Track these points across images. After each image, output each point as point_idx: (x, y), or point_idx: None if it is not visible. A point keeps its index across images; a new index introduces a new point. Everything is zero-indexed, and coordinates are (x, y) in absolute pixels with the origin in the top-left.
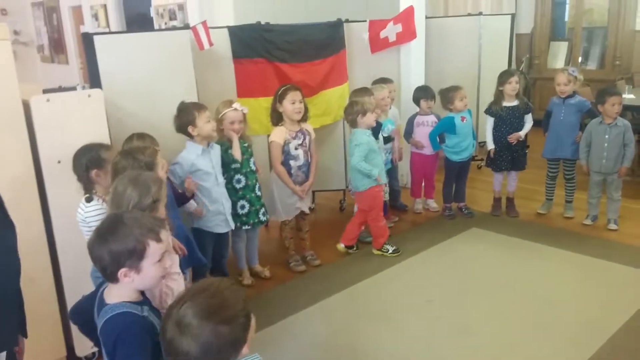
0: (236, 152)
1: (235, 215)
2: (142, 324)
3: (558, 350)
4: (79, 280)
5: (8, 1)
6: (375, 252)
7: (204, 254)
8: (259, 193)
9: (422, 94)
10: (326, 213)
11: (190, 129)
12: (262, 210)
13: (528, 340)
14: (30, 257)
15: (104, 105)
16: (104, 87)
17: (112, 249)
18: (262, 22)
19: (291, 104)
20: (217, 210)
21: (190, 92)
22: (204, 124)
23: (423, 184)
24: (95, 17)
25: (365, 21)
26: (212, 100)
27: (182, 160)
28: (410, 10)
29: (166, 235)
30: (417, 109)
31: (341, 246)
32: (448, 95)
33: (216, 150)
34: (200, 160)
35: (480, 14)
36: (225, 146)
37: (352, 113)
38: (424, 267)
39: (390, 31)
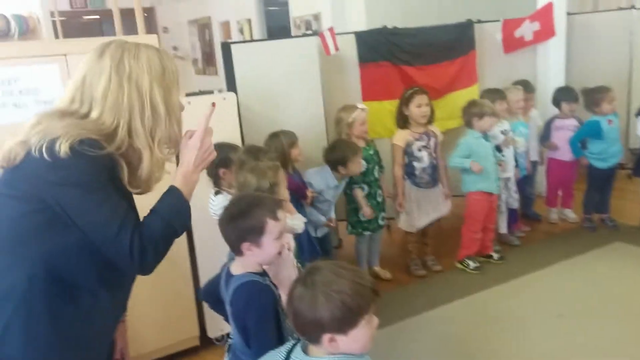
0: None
1: (357, 221)
2: (267, 291)
3: None
4: (212, 265)
5: (168, 20)
6: (456, 264)
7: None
8: (379, 200)
9: (563, 95)
10: (452, 221)
11: (340, 168)
12: (382, 215)
13: None
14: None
15: (237, 107)
16: (239, 92)
17: (237, 226)
18: (393, 26)
19: (417, 107)
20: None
21: (316, 96)
22: (354, 166)
23: (560, 192)
24: (241, 31)
25: (499, 21)
26: (337, 103)
27: (315, 183)
28: (549, 7)
29: (283, 215)
30: (555, 112)
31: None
32: (595, 96)
33: (344, 183)
34: (327, 190)
35: (632, 7)
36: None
37: (468, 113)
38: (557, 281)
39: (527, 30)
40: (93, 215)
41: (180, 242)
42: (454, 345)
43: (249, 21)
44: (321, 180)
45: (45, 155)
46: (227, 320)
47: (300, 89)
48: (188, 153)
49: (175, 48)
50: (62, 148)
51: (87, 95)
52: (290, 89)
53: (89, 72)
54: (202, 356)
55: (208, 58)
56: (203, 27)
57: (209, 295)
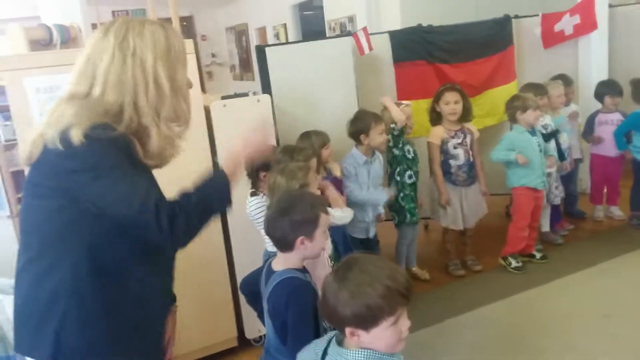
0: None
1: (404, 209)
2: (308, 287)
3: None
4: (249, 266)
5: (207, 28)
6: (499, 260)
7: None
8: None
9: (607, 89)
10: (491, 220)
11: (362, 137)
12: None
13: None
14: (208, 245)
15: (271, 109)
16: (274, 94)
17: (294, 219)
18: (429, 25)
19: (445, 104)
20: (360, 217)
21: (350, 96)
22: (377, 135)
23: (605, 189)
24: (277, 36)
25: (538, 15)
26: (372, 104)
27: (347, 164)
28: (589, 0)
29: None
30: (599, 107)
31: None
32: None
33: (378, 161)
34: (359, 170)
35: None
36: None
37: (511, 107)
38: (603, 280)
39: (567, 24)
40: (112, 194)
41: (217, 243)
42: (494, 347)
43: (285, 26)
44: (351, 161)
45: (60, 146)
46: (260, 316)
47: (334, 90)
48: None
49: (213, 55)
50: (76, 136)
51: (90, 74)
52: (324, 90)
53: (92, 51)
54: (240, 357)
55: (245, 64)
56: (240, 33)
57: (247, 287)
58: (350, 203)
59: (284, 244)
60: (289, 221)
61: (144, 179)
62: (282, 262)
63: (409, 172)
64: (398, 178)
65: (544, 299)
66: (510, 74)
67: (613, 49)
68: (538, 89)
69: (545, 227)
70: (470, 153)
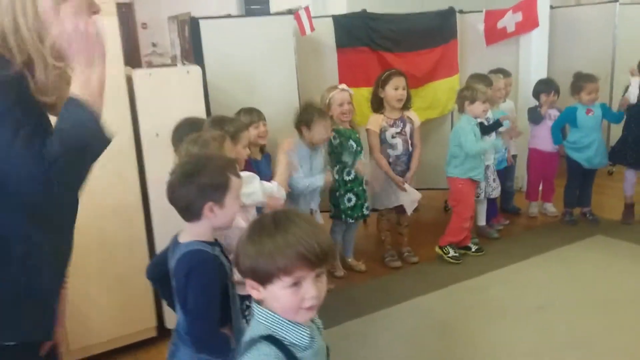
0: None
1: (342, 208)
2: (214, 262)
3: None
4: None
5: (148, 16)
6: (437, 249)
7: None
8: (365, 187)
9: (543, 87)
10: (429, 213)
11: (304, 129)
12: (366, 204)
13: None
14: (127, 228)
15: (202, 83)
16: (207, 70)
17: (200, 183)
18: (371, 12)
19: (394, 89)
20: (305, 207)
21: (290, 78)
22: (319, 131)
23: (541, 186)
24: None
25: (481, 11)
26: (312, 88)
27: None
28: None
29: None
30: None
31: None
32: (577, 83)
33: (321, 154)
34: (302, 162)
35: (615, 1)
36: (346, 135)
37: (461, 97)
38: (536, 272)
39: (509, 21)
40: None
41: (137, 225)
42: (429, 337)
43: (229, 16)
44: (294, 151)
45: None
46: (170, 304)
47: (273, 70)
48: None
49: (154, 44)
50: None
51: None
52: (262, 70)
53: None
54: (159, 347)
55: (187, 55)
56: (183, 23)
57: (155, 269)
58: (295, 193)
59: (191, 212)
60: (195, 186)
61: (32, 120)
62: (189, 233)
63: (347, 169)
64: (337, 176)
65: (479, 291)
66: (453, 67)
67: (552, 49)
68: (485, 80)
69: (482, 221)
70: (410, 142)
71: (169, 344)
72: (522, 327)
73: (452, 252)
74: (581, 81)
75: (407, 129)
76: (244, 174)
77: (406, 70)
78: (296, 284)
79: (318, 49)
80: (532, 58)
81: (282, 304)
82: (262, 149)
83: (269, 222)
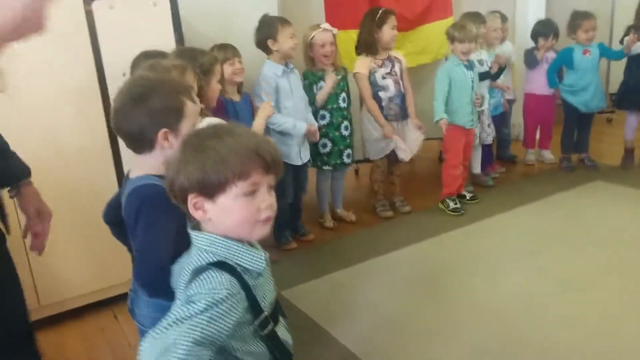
0: (322, 96)
1: (316, 154)
2: (166, 197)
3: None
4: None
5: None
6: (439, 205)
7: (284, 184)
8: (345, 133)
9: (541, 29)
10: (423, 164)
11: (270, 42)
12: (347, 152)
13: None
14: (95, 170)
15: (170, 16)
16: (180, 4)
17: (152, 108)
18: None
19: (391, 29)
20: (295, 140)
21: None
22: (286, 39)
23: (538, 133)
24: None
25: None
26: (296, 30)
27: (265, 77)
28: None
29: (196, 100)
30: None
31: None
32: (574, 21)
33: (296, 74)
34: (280, 80)
35: None
36: (311, 79)
37: (448, 33)
38: (532, 218)
39: None
40: None
41: (107, 171)
42: (419, 285)
43: None
44: (268, 74)
45: None
46: (130, 249)
47: (252, 6)
48: None
49: None
50: None
51: None
52: (240, 7)
53: None
54: None
55: None
56: None
57: (110, 215)
58: (273, 132)
59: (142, 142)
60: (146, 110)
61: None
62: (140, 167)
63: (321, 112)
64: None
65: (472, 238)
66: (447, 9)
67: None
68: (477, 18)
69: (477, 169)
70: (401, 84)
71: (129, 292)
72: (514, 272)
73: (452, 205)
74: (578, 19)
75: (397, 68)
76: (212, 119)
77: (397, 12)
78: (251, 192)
79: None
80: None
81: (237, 217)
82: (239, 89)
83: (210, 132)
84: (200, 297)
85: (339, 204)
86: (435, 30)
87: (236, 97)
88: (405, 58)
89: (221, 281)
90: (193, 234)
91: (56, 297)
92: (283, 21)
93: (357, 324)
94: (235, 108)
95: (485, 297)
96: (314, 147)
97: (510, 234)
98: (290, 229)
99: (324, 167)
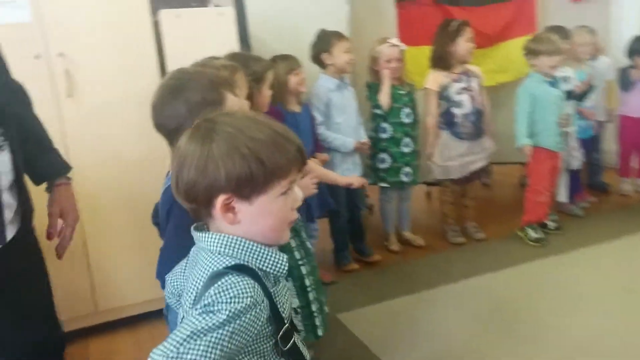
0: (384, 97)
1: (374, 169)
2: None
3: None
4: None
5: None
6: (517, 232)
7: (336, 200)
8: (405, 149)
9: (638, 46)
10: (502, 189)
11: (324, 56)
12: (406, 170)
13: None
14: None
15: (235, 25)
16: (250, 18)
17: (189, 100)
18: None
19: (467, 41)
20: (344, 155)
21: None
22: (340, 54)
23: (635, 160)
24: None
25: None
26: (367, 47)
27: (319, 90)
28: None
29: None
30: None
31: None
32: None
33: (351, 91)
34: (334, 95)
35: None
36: (375, 88)
37: (526, 49)
38: (626, 254)
39: None
40: None
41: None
42: (493, 317)
43: None
44: (321, 89)
45: None
46: None
47: (321, 24)
48: None
49: None
50: None
51: None
52: (311, 24)
53: None
54: None
55: None
56: None
57: (157, 216)
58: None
59: (176, 134)
60: (183, 103)
61: None
62: None
63: (382, 125)
64: (373, 133)
65: (555, 271)
66: (531, 25)
67: None
68: (561, 32)
69: (563, 196)
70: (478, 100)
71: None
72: (604, 310)
73: (533, 234)
74: None
75: (474, 83)
76: None
77: (475, 27)
78: (287, 190)
79: (375, 6)
80: (625, 14)
81: (274, 218)
82: (298, 99)
83: (242, 122)
84: (222, 307)
85: (406, 226)
86: (517, 47)
87: (296, 108)
88: (484, 77)
89: (245, 288)
90: (200, 235)
91: (113, 303)
92: (339, 36)
93: (414, 355)
94: (296, 119)
95: (571, 335)
96: (372, 161)
97: (599, 269)
98: (355, 249)
99: (381, 184)
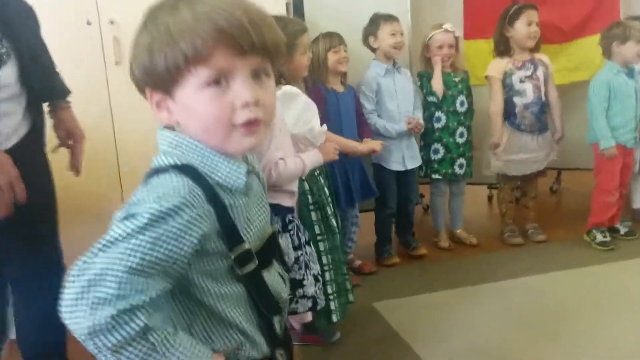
0: (436, 83)
1: (427, 160)
2: None
3: None
4: None
5: None
6: (584, 236)
7: (384, 191)
8: (459, 140)
9: None
10: (571, 197)
11: (371, 39)
12: (460, 161)
13: None
14: None
15: (292, 14)
16: (309, 13)
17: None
18: None
19: (527, 25)
20: (396, 144)
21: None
22: (386, 36)
23: None
24: None
25: None
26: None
27: (367, 79)
28: None
29: None
30: None
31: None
32: None
33: (404, 74)
34: (383, 80)
35: None
36: (427, 77)
37: (608, 36)
38: None
39: None
40: None
41: None
42: (538, 318)
43: None
44: (372, 75)
45: None
46: None
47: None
48: None
49: None
50: None
51: None
52: (365, 9)
53: None
54: None
55: None
56: None
57: None
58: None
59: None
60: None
61: None
62: None
63: (437, 114)
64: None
65: (620, 277)
66: (613, 17)
67: None
68: None
69: (638, 203)
70: (543, 90)
71: None
72: None
73: (599, 237)
74: None
75: (540, 72)
76: (291, 88)
77: (549, 21)
78: (216, 81)
79: None
80: None
81: (201, 116)
82: (342, 80)
83: (170, 2)
84: (144, 210)
85: (458, 224)
86: (595, 44)
87: (339, 88)
88: (557, 74)
89: (176, 187)
90: (158, 133)
91: None
92: (387, 17)
93: (445, 347)
94: (337, 98)
95: (617, 346)
96: (424, 153)
97: None
98: (401, 242)
99: (434, 176)
